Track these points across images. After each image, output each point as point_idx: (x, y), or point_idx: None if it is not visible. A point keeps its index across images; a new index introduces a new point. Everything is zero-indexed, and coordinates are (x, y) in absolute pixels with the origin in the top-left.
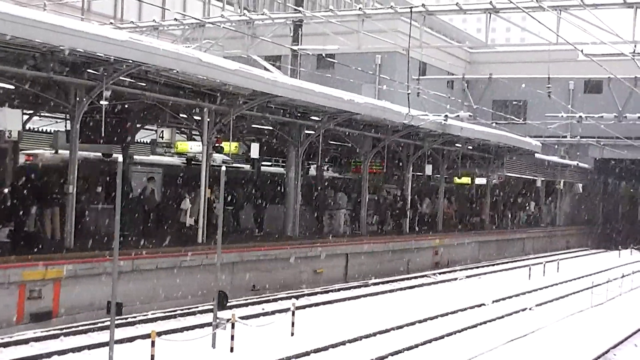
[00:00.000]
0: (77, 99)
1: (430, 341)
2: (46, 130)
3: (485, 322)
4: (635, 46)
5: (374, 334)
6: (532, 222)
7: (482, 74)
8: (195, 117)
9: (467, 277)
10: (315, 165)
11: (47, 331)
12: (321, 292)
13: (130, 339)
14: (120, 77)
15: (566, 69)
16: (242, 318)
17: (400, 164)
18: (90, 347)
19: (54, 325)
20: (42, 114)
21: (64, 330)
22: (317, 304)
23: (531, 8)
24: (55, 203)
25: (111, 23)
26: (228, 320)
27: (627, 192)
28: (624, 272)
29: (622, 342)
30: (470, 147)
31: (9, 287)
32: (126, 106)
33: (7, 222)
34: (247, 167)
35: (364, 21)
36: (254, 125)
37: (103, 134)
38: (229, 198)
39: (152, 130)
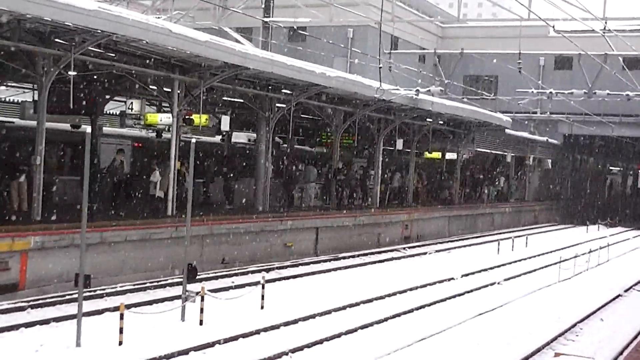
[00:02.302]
0: (45, 68)
1: (399, 315)
2: (13, 100)
3: (454, 296)
4: (605, 23)
5: (344, 308)
6: (501, 197)
7: (453, 49)
8: (165, 89)
9: (437, 251)
10: (286, 139)
11: (14, 303)
12: (291, 266)
13: (99, 312)
14: (89, 47)
15: (537, 45)
16: (211, 291)
17: (371, 138)
18: (58, 319)
19: (21, 298)
20: (9, 84)
21: (31, 303)
22: (287, 278)
23: None
24: (22, 174)
25: None
26: (197, 293)
27: (595, 168)
28: (591, 248)
29: (588, 316)
30: (441, 122)
31: None
32: (95, 77)
33: None
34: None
35: None
36: (224, 98)
37: (71, 105)
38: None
39: (121, 101)
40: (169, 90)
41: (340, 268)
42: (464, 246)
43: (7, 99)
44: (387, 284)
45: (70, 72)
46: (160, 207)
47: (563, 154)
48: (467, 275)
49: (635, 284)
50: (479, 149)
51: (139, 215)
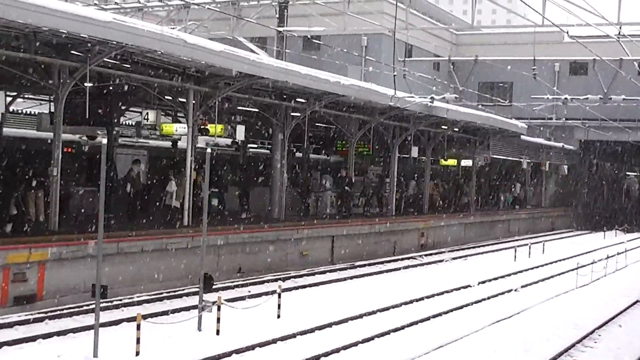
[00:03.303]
0: (61, 80)
1: (416, 323)
2: (30, 112)
3: (471, 304)
4: (620, 28)
5: (361, 316)
6: (517, 204)
7: (468, 56)
8: (180, 99)
9: (453, 258)
10: (301, 147)
11: (32, 314)
12: (307, 275)
13: (116, 322)
14: (105, 59)
15: (552, 51)
16: (228, 300)
17: (387, 146)
18: (75, 330)
19: (39, 309)
20: (25, 96)
21: (49, 314)
22: (303, 286)
23: None
24: (39, 185)
25: (95, 4)
26: (214, 302)
27: (612, 173)
28: (608, 254)
29: (606, 322)
30: (456, 129)
31: None
32: (111, 88)
33: None
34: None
35: (349, 2)
36: (239, 108)
37: (87, 116)
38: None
39: (137, 112)
40: (184, 100)
41: (356, 276)
42: (481, 253)
43: (24, 111)
44: (403, 292)
45: (86, 84)
46: (177, 217)
47: (579, 160)
48: (484, 282)
49: None
50: (494, 156)
51: (155, 226)
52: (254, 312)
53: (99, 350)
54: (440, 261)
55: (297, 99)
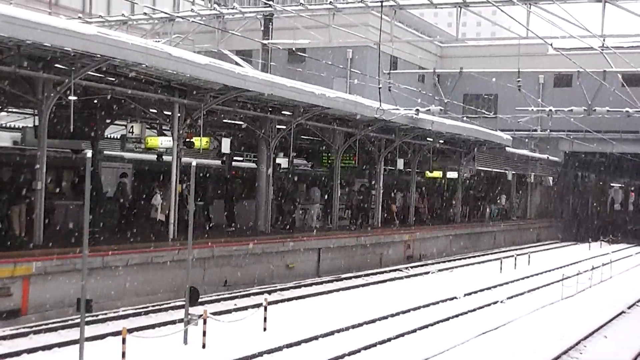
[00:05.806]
0: (45, 94)
1: (402, 335)
2: (14, 126)
3: (457, 316)
4: (603, 40)
5: (347, 329)
6: (503, 216)
7: (453, 68)
8: (166, 112)
9: (439, 270)
10: (287, 160)
11: (16, 329)
12: (293, 287)
13: (101, 336)
14: (89, 72)
15: (536, 63)
16: (214, 314)
17: (372, 158)
18: (60, 344)
19: (23, 323)
20: (9, 110)
21: (34, 328)
22: (289, 299)
23: (501, 2)
24: (23, 200)
25: (79, 17)
26: (200, 316)
27: (596, 185)
28: (593, 265)
29: (592, 333)
30: (442, 141)
31: None
32: (95, 101)
33: None
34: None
35: (334, 15)
36: (225, 120)
37: (72, 130)
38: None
39: (122, 125)
40: (169, 113)
41: (342, 289)
42: (467, 265)
43: (9, 125)
44: (390, 304)
45: (70, 97)
46: (162, 231)
47: (564, 171)
48: (470, 294)
49: (639, 301)
50: (480, 168)
51: (140, 239)
52: (240, 325)
53: None
54: (427, 273)
55: (283, 112)
